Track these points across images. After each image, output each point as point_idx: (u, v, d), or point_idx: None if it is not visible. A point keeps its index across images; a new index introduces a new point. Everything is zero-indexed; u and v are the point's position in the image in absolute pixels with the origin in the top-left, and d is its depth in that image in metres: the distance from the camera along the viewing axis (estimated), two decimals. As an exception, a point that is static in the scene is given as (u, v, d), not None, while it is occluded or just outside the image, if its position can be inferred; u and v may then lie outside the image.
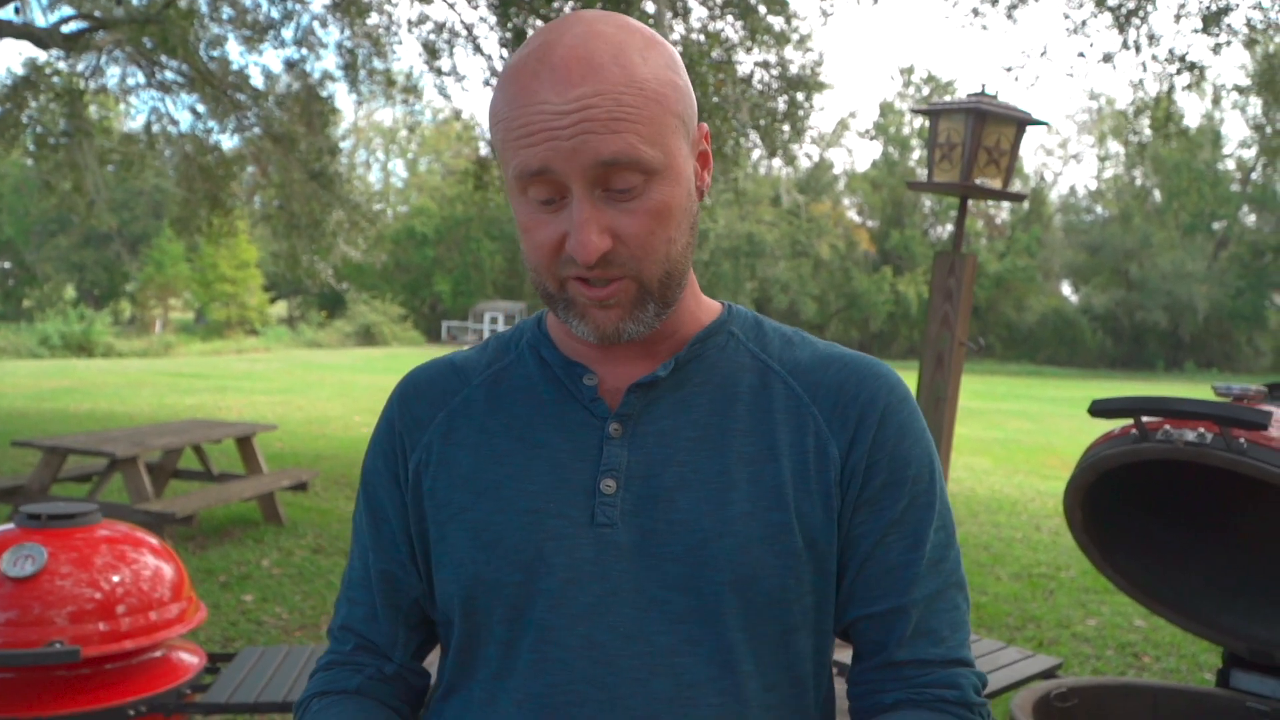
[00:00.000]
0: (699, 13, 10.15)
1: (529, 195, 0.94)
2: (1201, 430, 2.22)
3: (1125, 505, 2.57)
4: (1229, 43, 9.89)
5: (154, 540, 2.75)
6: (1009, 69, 11.34)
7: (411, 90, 13.44)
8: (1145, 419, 2.31)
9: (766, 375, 1.05)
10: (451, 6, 11.51)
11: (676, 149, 0.95)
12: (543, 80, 0.91)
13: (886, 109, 52.74)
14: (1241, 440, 2.16)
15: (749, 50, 10.53)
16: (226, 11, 11.75)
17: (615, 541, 0.99)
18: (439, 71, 11.93)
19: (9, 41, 10.12)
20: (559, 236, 0.93)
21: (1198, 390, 2.76)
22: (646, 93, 0.92)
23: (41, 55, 10.98)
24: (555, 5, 9.50)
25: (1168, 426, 2.26)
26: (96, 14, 11.05)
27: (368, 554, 1.12)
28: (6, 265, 43.12)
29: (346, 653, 1.13)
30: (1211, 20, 9.68)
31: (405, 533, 1.09)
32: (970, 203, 3.98)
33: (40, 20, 11.70)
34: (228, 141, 13.40)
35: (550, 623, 0.99)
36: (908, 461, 1.03)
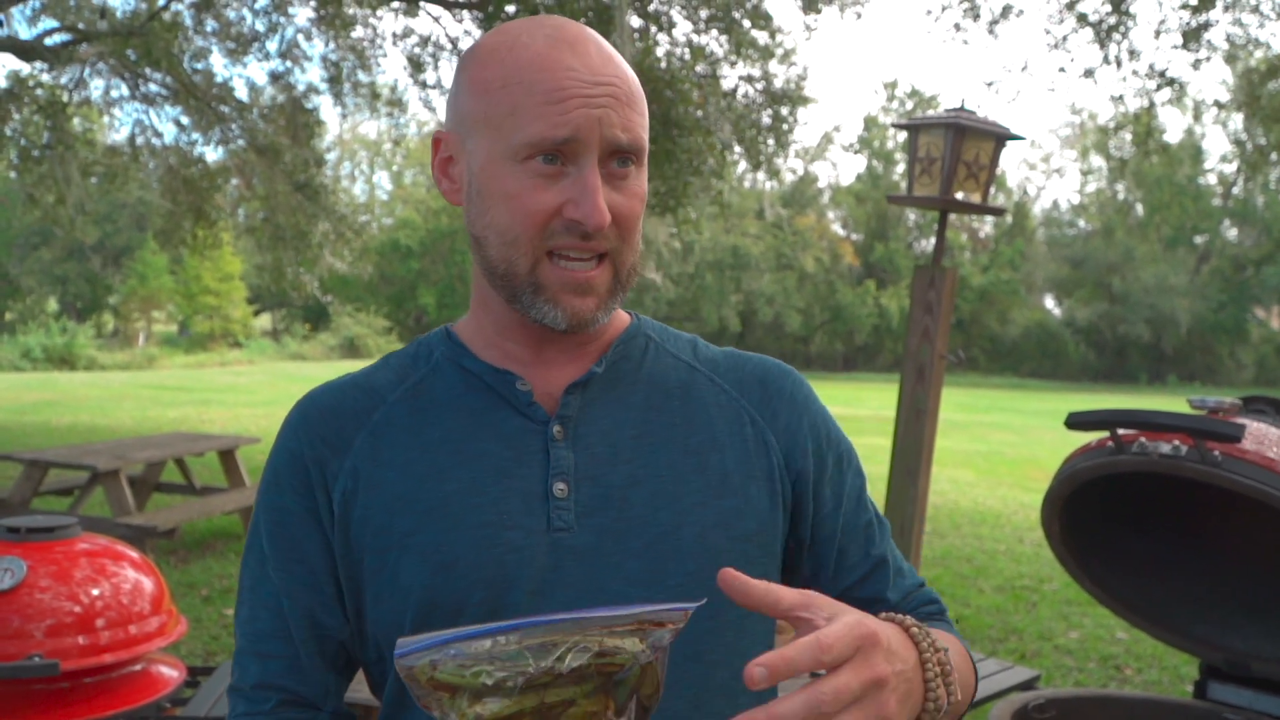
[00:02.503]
0: (683, 27, 10.21)
1: (530, 163, 0.94)
2: (1176, 443, 2.24)
3: (1102, 517, 2.59)
4: (1209, 58, 9.99)
5: (134, 553, 2.75)
6: (990, 84, 11.42)
7: (396, 103, 13.45)
8: (1121, 431, 2.33)
9: (691, 373, 1.09)
10: (436, 20, 11.53)
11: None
12: (563, 51, 0.94)
13: (870, 123, 52.92)
14: (1216, 453, 2.18)
15: (733, 64, 10.58)
16: (211, 24, 11.74)
17: (572, 545, 0.98)
18: (424, 84, 11.95)
19: (-8, 53, 10.10)
20: (555, 205, 0.94)
21: (1178, 403, 2.79)
22: (642, 91, 1.00)
23: (25, 67, 10.95)
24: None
25: (1143, 439, 2.29)
26: (80, 26, 11.03)
27: (280, 600, 1.03)
28: (-12, 277, 42.88)
29: (268, 711, 1.02)
30: (1191, 36, 9.78)
31: (329, 571, 1.02)
32: (953, 216, 4.01)
33: (23, 32, 11.68)
34: (212, 154, 13.34)
35: None
36: (836, 439, 1.12)
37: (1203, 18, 9.67)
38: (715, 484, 1.03)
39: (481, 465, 1.00)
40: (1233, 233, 49.72)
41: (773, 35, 10.45)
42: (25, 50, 10.17)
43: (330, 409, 1.04)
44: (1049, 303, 53.49)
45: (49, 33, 10.96)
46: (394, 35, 13.71)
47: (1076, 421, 2.38)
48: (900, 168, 50.74)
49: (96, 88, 12.88)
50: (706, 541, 1.00)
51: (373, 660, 1.05)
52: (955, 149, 3.63)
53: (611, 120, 0.93)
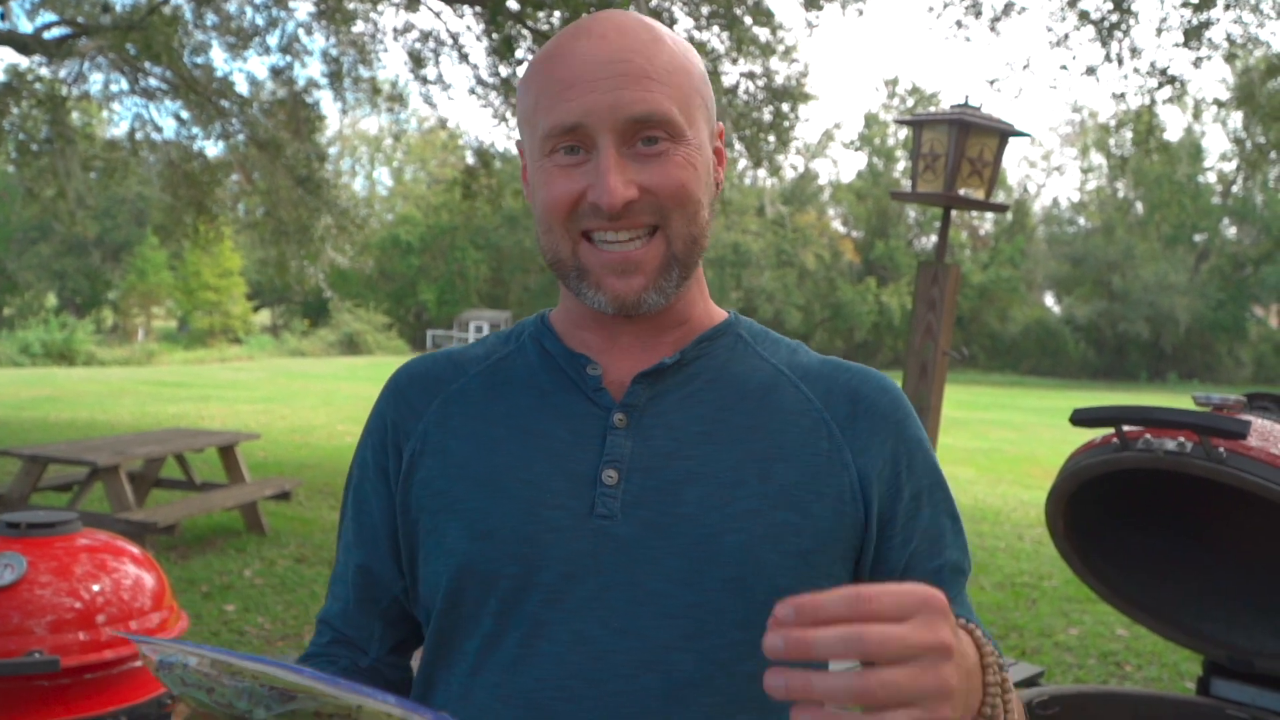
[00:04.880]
0: (685, 23, 10.19)
1: (555, 156, 0.96)
2: (1181, 439, 2.23)
3: (1106, 514, 2.58)
4: (1209, 57, 9.98)
5: (135, 549, 2.74)
6: (992, 81, 11.41)
7: (397, 98, 13.45)
8: (1126, 428, 2.32)
9: (776, 377, 1.05)
10: (437, 15, 11.51)
11: (700, 124, 0.99)
12: (581, 41, 0.96)
13: (871, 120, 52.93)
14: (1221, 449, 2.17)
15: (735, 61, 10.58)
16: (211, 18, 11.72)
17: (614, 534, 0.96)
18: (425, 80, 11.98)
19: (-9, 47, 10.08)
20: (579, 190, 0.95)
21: (1179, 400, 2.78)
22: (677, 61, 0.97)
23: (24, 61, 10.93)
24: (542, 15, 9.53)
25: (1148, 436, 2.28)
26: (80, 20, 11.02)
27: (350, 549, 1.11)
28: (-13, 272, 42.80)
29: (323, 645, 1.12)
30: (1192, 34, 9.77)
31: (389, 527, 1.07)
32: (954, 214, 4.00)
33: (23, 26, 11.66)
34: (212, 149, 13.34)
35: (544, 617, 0.96)
36: (925, 471, 1.05)
37: (1204, 16, 9.66)
38: (774, 494, 0.98)
39: (537, 443, 1.01)
40: (1232, 231, 49.78)
41: (774, 32, 10.44)
42: (25, 44, 10.15)
43: (419, 376, 1.10)
44: (1049, 300, 53.59)
45: (48, 26, 10.95)
46: (395, 30, 13.69)
47: (1081, 418, 2.37)
48: (901, 165, 50.74)
49: (96, 82, 12.88)
50: (752, 552, 0.96)
51: (422, 618, 1.08)
52: (959, 145, 3.62)
53: (622, 99, 0.92)
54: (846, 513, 1.00)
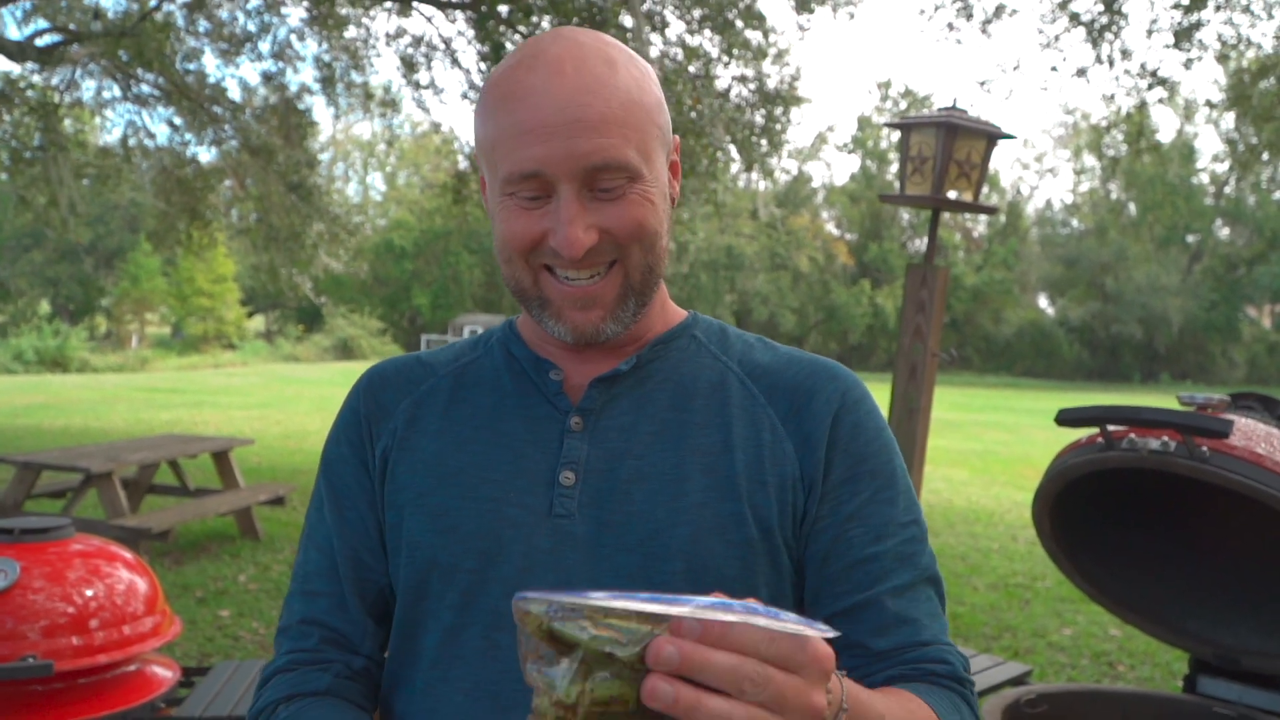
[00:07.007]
0: (676, 27, 10.22)
1: (515, 196, 0.97)
2: (1165, 439, 2.25)
3: (1093, 513, 2.60)
4: (1200, 58, 10.02)
5: (127, 554, 2.75)
6: (984, 83, 11.43)
7: (389, 104, 13.44)
8: (1111, 428, 2.34)
9: (724, 375, 1.08)
10: (429, 20, 11.52)
11: (657, 156, 1.00)
12: (535, 82, 0.95)
13: (864, 123, 52.97)
14: (1204, 448, 2.19)
15: (726, 65, 10.59)
16: (203, 24, 11.72)
17: (571, 532, 1.00)
18: (417, 85, 11.95)
19: (-17, 55, 10.07)
20: (540, 232, 0.97)
21: (1170, 401, 2.80)
22: (633, 99, 0.97)
23: (15, 69, 10.93)
24: (534, 20, 9.54)
25: (1132, 435, 2.30)
26: (72, 27, 11.01)
27: (331, 541, 1.10)
28: (-20, 280, 42.67)
29: (310, 649, 1.08)
30: (1183, 35, 9.81)
31: (375, 518, 1.09)
32: (947, 216, 4.02)
33: (14, 33, 11.65)
34: (205, 155, 13.35)
35: (504, 610, 0.97)
36: (863, 457, 1.05)
37: (1194, 17, 9.70)
38: (720, 487, 1.01)
39: (500, 443, 1.05)
40: (1225, 232, 49.90)
41: (766, 35, 10.46)
42: (16, 51, 10.14)
43: (390, 376, 1.14)
44: (1042, 302, 53.64)
45: (40, 33, 10.94)
46: (387, 36, 13.71)
47: (1067, 418, 2.39)
48: (894, 167, 50.77)
49: (88, 89, 12.95)
50: (700, 544, 0.99)
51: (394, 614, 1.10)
52: (946, 148, 3.64)
53: (579, 148, 0.93)
54: (789, 502, 1.02)
